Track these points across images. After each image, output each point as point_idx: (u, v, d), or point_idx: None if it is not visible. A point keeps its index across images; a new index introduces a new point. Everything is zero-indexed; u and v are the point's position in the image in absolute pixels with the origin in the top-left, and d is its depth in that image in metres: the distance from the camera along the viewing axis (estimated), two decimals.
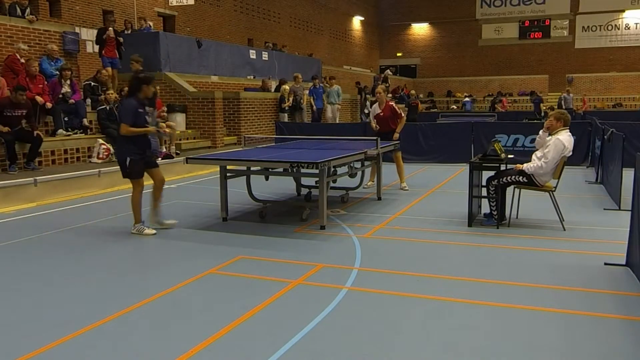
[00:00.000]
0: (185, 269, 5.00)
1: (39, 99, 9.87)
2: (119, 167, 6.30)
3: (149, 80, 6.30)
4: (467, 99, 31.63)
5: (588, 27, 34.99)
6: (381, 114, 9.09)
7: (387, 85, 27.26)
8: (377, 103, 9.33)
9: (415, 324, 3.78)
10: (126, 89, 12.01)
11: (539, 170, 6.21)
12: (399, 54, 39.52)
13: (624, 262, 4.91)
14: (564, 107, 22.11)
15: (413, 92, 23.58)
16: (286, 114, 16.24)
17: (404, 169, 9.36)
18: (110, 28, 12.71)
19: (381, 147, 7.93)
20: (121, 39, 13.00)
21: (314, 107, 17.77)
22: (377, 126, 9.09)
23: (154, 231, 6.22)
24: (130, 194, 6.33)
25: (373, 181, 8.92)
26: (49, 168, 9.52)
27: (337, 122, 17.79)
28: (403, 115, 9.27)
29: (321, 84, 18.71)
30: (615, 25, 34.56)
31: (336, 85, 18.81)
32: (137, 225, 6.25)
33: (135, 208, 6.24)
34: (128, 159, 6.14)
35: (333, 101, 18.08)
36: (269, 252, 5.54)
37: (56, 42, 11.93)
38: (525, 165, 6.32)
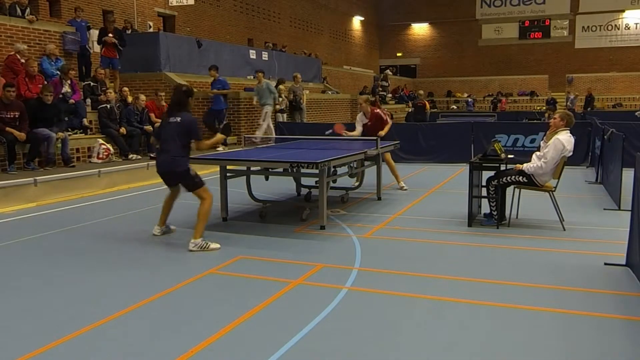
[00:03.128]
0: (186, 268, 5.01)
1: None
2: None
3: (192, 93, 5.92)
4: (469, 98, 32.25)
5: (588, 27, 34.95)
6: (369, 123, 9.04)
7: (383, 87, 27.20)
8: (362, 113, 9.17)
9: (415, 324, 3.78)
10: (126, 89, 12.11)
11: (538, 171, 6.21)
12: (399, 54, 39.50)
13: (624, 262, 4.91)
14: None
15: (421, 92, 23.11)
16: (284, 114, 16.20)
17: (397, 169, 9.30)
18: (110, 35, 12.63)
19: (381, 147, 7.94)
20: (112, 39, 12.72)
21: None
22: (361, 129, 9.01)
23: (218, 245, 5.56)
24: (196, 203, 5.82)
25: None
26: (49, 168, 9.50)
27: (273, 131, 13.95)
28: (389, 120, 9.34)
29: (220, 77, 14.18)
30: (615, 25, 34.52)
31: (265, 80, 14.49)
32: (199, 241, 5.51)
33: (205, 219, 5.57)
34: (191, 169, 5.76)
35: (266, 102, 14.11)
36: (269, 252, 5.54)
37: (56, 42, 11.91)
38: (525, 165, 6.32)
